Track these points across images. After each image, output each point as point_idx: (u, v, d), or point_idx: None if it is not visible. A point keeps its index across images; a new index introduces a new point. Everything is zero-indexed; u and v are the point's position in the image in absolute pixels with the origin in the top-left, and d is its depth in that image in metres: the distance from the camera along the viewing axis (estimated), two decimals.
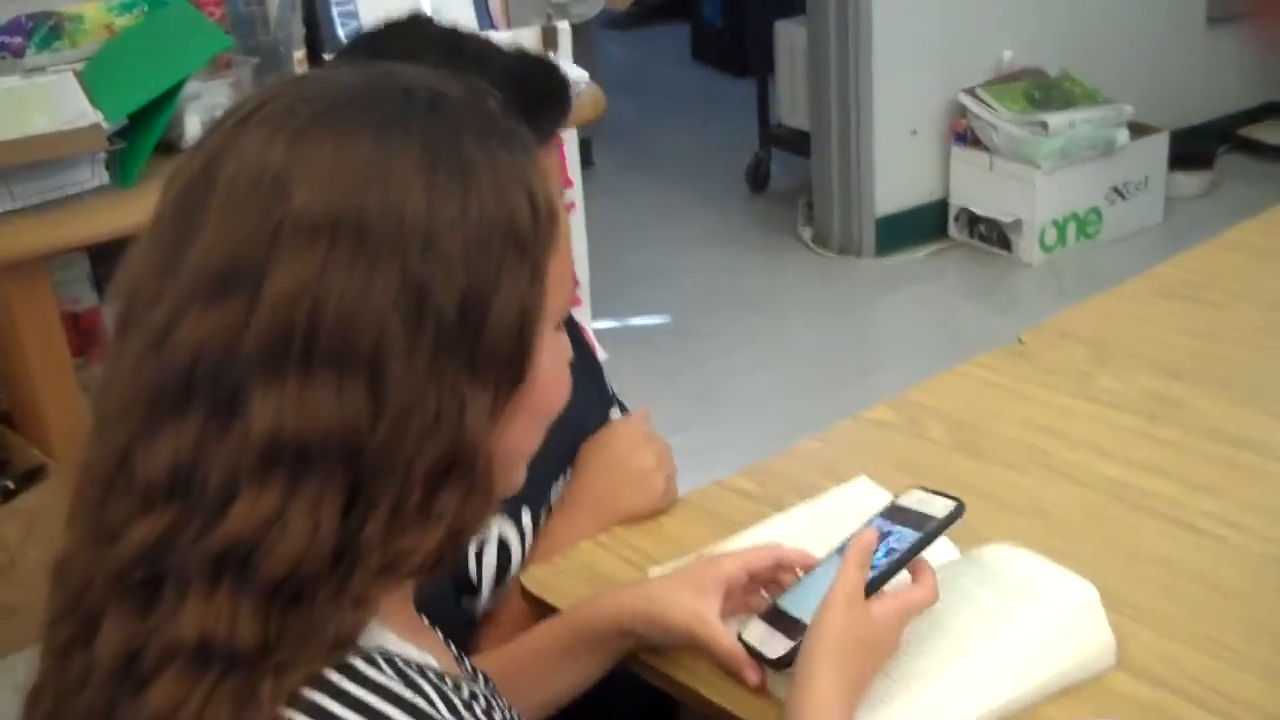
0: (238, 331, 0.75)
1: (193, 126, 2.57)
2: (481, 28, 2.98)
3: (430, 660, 0.83)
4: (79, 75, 2.76)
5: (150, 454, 0.76)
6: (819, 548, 1.21)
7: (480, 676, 0.97)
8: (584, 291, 3.65)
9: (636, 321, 3.87)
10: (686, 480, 1.51)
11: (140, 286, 0.79)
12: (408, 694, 0.77)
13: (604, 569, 1.27)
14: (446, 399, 0.79)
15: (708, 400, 3.40)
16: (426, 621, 0.95)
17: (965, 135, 3.96)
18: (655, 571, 1.24)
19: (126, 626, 0.76)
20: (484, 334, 0.80)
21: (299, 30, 2.91)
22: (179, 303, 0.77)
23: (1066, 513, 1.30)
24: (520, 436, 0.87)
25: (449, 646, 0.97)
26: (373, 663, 0.78)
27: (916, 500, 1.11)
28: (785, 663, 1.05)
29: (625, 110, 5.28)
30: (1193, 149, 4.27)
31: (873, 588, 1.04)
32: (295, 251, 0.76)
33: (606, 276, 3.87)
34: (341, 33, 3.00)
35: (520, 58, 1.22)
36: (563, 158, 3.48)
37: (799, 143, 4.28)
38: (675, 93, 5.65)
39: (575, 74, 2.98)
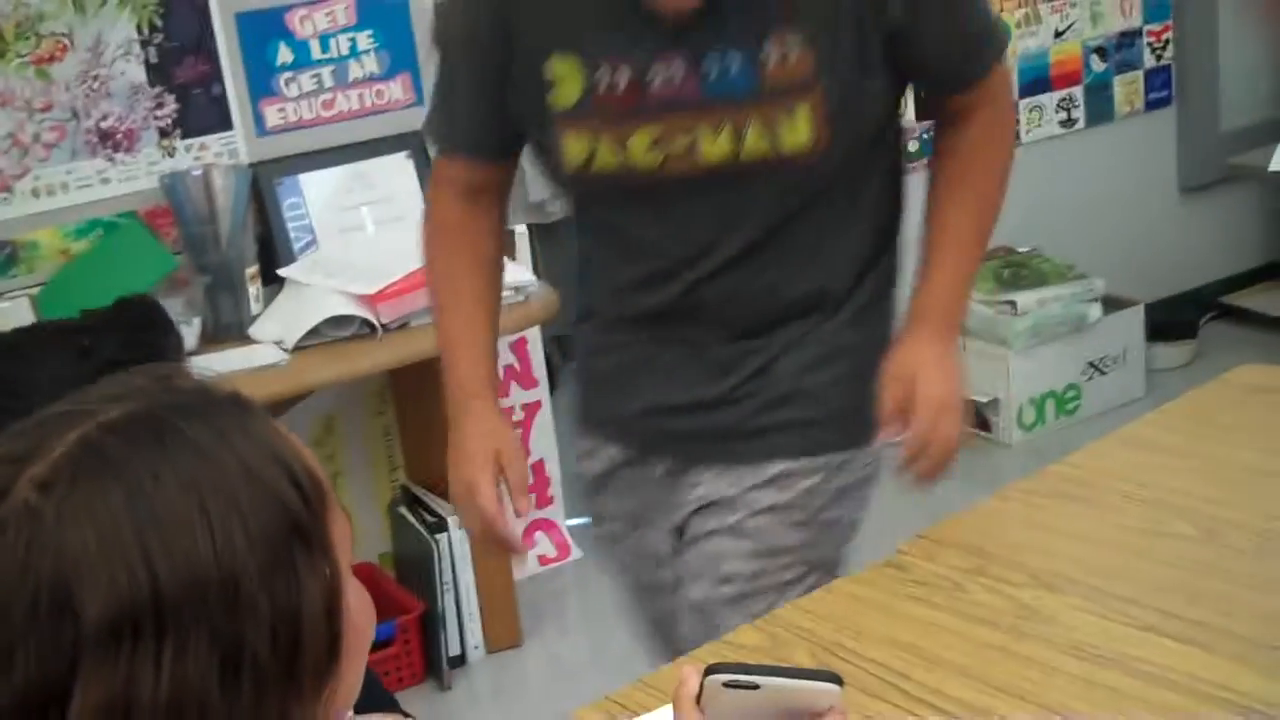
0: None
1: None
2: None
3: None
4: (34, 300, 2.84)
5: None
6: None
7: None
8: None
9: None
10: None
11: None
12: None
13: None
14: None
15: None
16: None
17: None
18: None
19: None
20: (300, 648, 0.75)
21: (251, 248, 2.98)
22: None
23: None
24: (348, 686, 0.82)
25: None
26: None
27: None
28: None
29: None
30: (1174, 319, 4.24)
31: None
32: (96, 667, 0.70)
33: None
34: (296, 248, 3.05)
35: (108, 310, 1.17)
36: (526, 358, 3.50)
37: None
38: None
39: None
